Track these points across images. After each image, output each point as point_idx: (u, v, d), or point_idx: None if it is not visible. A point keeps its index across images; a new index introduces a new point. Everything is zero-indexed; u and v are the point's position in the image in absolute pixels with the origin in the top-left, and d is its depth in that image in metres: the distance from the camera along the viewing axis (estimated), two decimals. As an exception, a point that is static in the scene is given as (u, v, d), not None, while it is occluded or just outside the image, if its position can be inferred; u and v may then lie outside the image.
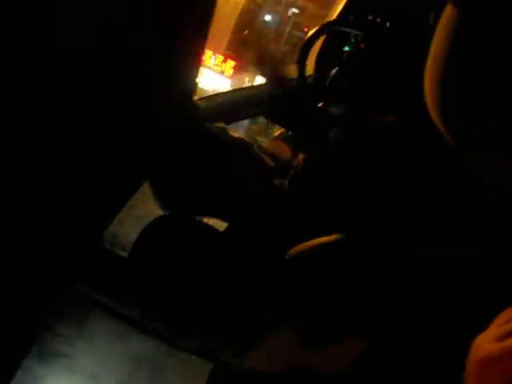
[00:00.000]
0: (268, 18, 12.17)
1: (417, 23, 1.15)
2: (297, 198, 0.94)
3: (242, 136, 1.01)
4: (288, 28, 11.84)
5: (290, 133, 1.47)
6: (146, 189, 1.00)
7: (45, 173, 0.91)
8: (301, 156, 1.18)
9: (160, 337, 0.82)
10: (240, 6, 10.80)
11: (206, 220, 0.88)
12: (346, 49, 1.25)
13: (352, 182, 0.86)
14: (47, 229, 0.97)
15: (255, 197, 0.89)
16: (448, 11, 0.41)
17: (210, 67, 10.92)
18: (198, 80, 1.36)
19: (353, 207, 0.80)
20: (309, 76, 1.36)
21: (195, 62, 1.24)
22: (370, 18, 1.32)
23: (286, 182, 1.08)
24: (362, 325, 0.62)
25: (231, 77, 11.03)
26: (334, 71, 1.21)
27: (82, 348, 1.13)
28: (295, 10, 12.01)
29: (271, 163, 1.00)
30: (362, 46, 1.16)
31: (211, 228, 0.71)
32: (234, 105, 1.45)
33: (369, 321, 0.62)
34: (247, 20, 11.50)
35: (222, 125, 1.09)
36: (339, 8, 1.41)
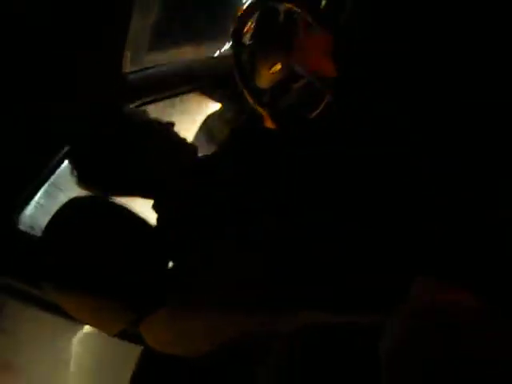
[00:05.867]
0: None
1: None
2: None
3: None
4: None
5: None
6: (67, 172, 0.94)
7: None
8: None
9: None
10: None
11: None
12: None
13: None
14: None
15: (175, 176, 0.87)
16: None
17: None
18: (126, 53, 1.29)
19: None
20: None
21: (121, 34, 1.17)
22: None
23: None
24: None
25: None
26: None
27: (2, 342, 1.05)
28: None
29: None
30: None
31: (126, 210, 0.67)
32: (170, 79, 1.39)
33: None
34: None
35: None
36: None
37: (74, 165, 0.84)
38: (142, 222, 0.69)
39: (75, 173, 0.84)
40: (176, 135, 0.92)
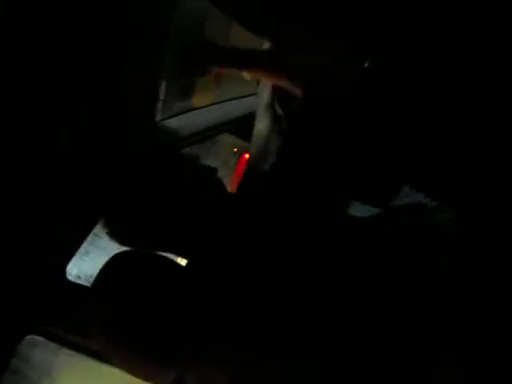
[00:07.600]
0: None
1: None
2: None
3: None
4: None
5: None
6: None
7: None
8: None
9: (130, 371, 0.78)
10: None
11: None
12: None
13: None
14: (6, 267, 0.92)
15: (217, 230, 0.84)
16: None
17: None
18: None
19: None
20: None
21: (154, 82, 1.21)
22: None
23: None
24: None
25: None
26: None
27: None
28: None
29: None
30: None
31: (173, 263, 0.69)
32: (203, 124, 1.42)
33: None
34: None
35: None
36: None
37: (110, 231, 0.84)
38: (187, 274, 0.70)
39: (109, 232, 0.84)
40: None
